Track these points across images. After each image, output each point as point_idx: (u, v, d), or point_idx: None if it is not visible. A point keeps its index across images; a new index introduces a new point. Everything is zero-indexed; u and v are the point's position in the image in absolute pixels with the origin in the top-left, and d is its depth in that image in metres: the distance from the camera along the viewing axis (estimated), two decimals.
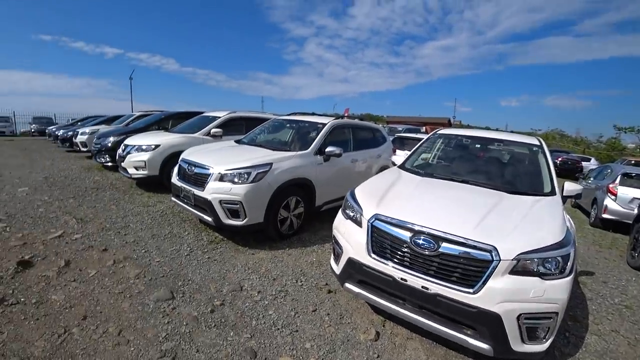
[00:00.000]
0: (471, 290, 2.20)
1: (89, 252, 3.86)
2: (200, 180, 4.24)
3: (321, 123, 5.50)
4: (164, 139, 6.64)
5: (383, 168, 6.90)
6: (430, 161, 4.49)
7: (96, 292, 3.07)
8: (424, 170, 3.88)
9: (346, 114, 29.96)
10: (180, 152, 6.33)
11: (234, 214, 4.06)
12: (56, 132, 14.45)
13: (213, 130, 7.07)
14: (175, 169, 4.84)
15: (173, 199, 4.77)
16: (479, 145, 4.31)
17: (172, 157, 6.41)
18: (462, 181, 3.38)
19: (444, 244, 2.31)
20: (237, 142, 5.62)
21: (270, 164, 4.24)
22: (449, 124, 45.67)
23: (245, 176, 4.04)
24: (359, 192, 3.15)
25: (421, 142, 4.58)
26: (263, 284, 3.43)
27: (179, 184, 4.55)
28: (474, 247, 2.24)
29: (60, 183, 7.02)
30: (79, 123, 16.62)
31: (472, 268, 2.24)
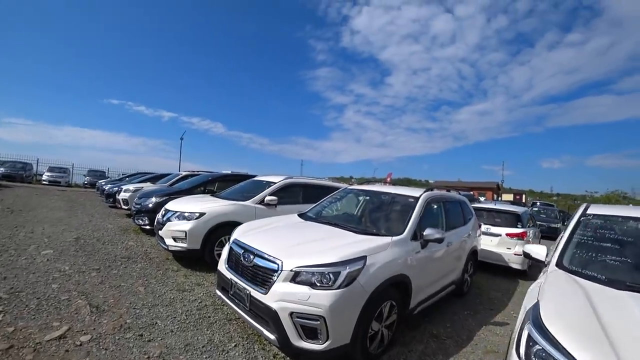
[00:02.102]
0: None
1: None
2: (262, 276, 2.91)
3: (412, 197, 4.19)
4: (210, 205, 5.49)
5: (473, 252, 5.44)
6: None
7: None
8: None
9: (389, 179, 28.85)
10: (228, 223, 5.30)
11: (311, 333, 2.60)
12: (103, 187, 14.02)
13: (267, 198, 5.91)
14: (225, 253, 3.55)
15: (218, 292, 3.41)
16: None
17: (217, 228, 5.25)
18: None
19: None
20: (302, 216, 4.35)
21: (365, 258, 2.86)
22: (497, 189, 43.16)
23: (331, 277, 2.66)
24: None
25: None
26: None
27: (229, 275, 3.23)
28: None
29: (90, 247, 5.91)
30: (127, 179, 16.38)
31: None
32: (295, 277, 2.71)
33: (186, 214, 5.29)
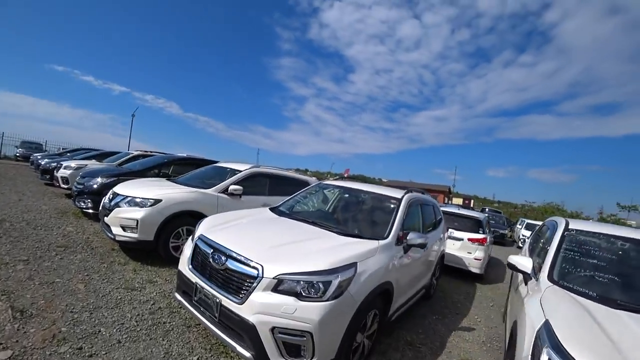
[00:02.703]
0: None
1: None
2: (237, 283, 2.46)
3: (394, 198, 3.95)
4: (167, 192, 4.84)
5: (442, 256, 5.43)
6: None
7: None
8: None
9: (346, 175, 28.95)
10: (187, 212, 4.75)
11: (294, 350, 2.23)
12: (39, 161, 12.30)
13: (232, 187, 5.37)
14: (188, 251, 2.99)
15: (178, 297, 2.89)
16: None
17: (174, 218, 4.65)
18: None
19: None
20: (275, 211, 3.92)
21: (355, 265, 2.54)
22: (448, 192, 45.09)
23: (321, 287, 2.30)
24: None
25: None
26: None
27: (193, 278, 2.73)
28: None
29: (18, 233, 4.99)
30: (68, 154, 14.66)
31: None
32: (278, 286, 2.31)
33: (138, 200, 4.61)
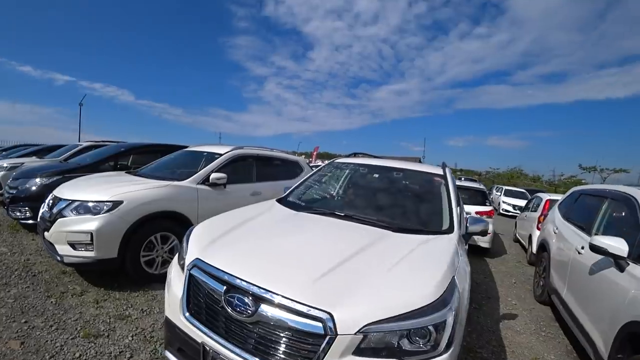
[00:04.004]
0: None
1: None
2: (286, 346, 1.41)
3: (437, 174, 3.13)
4: (129, 189, 3.57)
5: None
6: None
7: None
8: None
9: (315, 153, 28.28)
10: (160, 214, 3.60)
11: None
12: None
13: (214, 176, 4.20)
14: (177, 286, 1.83)
15: (170, 357, 1.83)
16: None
17: (143, 224, 3.45)
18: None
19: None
20: (286, 204, 2.84)
21: (454, 281, 1.67)
22: (419, 163, 45.20)
23: (432, 332, 1.41)
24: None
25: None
26: None
27: (198, 334, 1.61)
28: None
29: None
30: (3, 152, 12.41)
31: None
32: (364, 344, 1.35)
33: (90, 204, 3.34)
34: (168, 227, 3.71)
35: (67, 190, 3.65)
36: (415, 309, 1.41)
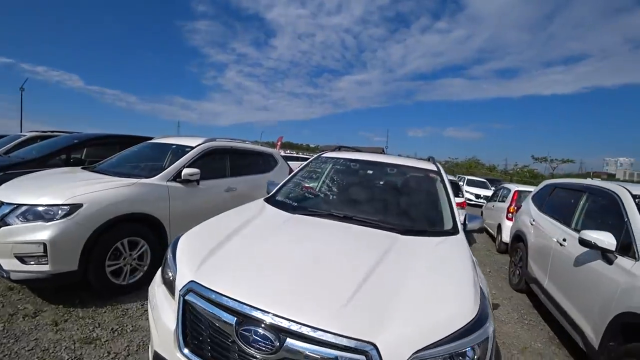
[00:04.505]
0: None
1: None
2: None
3: (432, 170, 3.05)
4: (89, 190, 3.06)
5: None
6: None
7: None
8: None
9: (279, 144, 27.96)
10: (128, 217, 3.19)
11: None
12: None
13: (186, 172, 3.79)
14: (166, 315, 1.52)
15: None
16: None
17: (107, 229, 3.00)
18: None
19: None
20: (277, 204, 2.57)
21: (480, 288, 1.61)
22: (382, 153, 45.75)
23: (477, 353, 1.29)
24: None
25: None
26: None
27: None
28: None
29: None
30: None
31: None
32: None
33: (42, 209, 2.82)
34: (136, 231, 3.27)
35: (11, 192, 3.09)
36: (459, 329, 1.27)
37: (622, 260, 2.45)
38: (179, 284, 1.50)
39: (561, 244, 3.35)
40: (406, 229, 2.16)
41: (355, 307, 1.31)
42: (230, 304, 1.32)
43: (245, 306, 1.30)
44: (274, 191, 2.89)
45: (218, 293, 1.38)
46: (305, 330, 1.20)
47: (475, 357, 1.27)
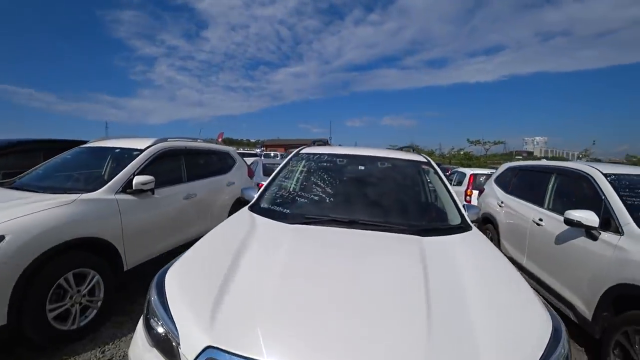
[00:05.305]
0: None
1: None
2: None
3: (424, 162, 2.99)
4: (13, 215, 2.31)
5: None
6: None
7: None
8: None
9: (220, 140, 26.89)
10: (71, 244, 2.53)
11: None
12: None
13: (138, 180, 3.16)
14: None
15: None
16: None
17: (44, 265, 2.31)
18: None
19: None
20: (266, 213, 2.20)
21: None
22: (327, 145, 45.95)
23: None
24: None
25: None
26: None
27: None
28: None
29: None
30: None
31: None
32: None
33: None
34: (83, 260, 2.61)
35: None
36: (544, 353, 1.10)
37: (606, 236, 2.54)
38: (188, 350, 1.07)
39: (538, 224, 3.42)
40: (421, 229, 2.00)
41: (440, 345, 1.06)
42: None
43: None
44: (256, 197, 2.47)
45: None
46: None
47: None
